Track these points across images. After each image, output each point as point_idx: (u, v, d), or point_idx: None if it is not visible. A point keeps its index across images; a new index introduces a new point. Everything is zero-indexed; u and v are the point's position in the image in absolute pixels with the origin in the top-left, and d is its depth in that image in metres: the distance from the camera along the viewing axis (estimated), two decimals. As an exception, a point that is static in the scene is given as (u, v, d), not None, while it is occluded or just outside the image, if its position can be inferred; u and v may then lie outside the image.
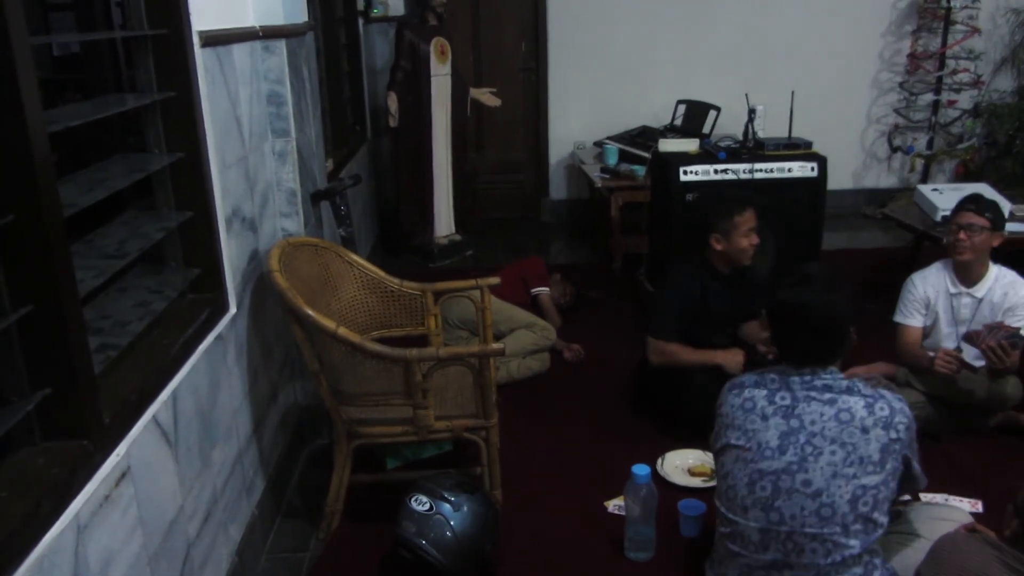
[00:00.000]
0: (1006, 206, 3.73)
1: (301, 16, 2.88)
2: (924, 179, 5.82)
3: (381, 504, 2.53)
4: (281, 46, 2.62)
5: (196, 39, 2.03)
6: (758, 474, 1.88)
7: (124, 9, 1.98)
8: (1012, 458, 2.80)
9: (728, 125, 4.81)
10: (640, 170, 4.81)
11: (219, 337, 2.13)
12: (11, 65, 1.26)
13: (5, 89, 1.27)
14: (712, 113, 5.03)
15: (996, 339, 2.66)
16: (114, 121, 2.15)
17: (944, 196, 3.85)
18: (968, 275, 2.88)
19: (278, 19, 2.64)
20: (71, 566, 1.35)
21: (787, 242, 3.70)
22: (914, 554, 2.03)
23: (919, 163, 5.84)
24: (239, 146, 2.38)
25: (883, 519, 1.85)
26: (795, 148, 3.75)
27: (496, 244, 5.46)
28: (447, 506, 2.17)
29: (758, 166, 3.66)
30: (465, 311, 3.37)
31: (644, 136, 5.25)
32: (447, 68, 4.96)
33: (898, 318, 3.00)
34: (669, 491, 2.60)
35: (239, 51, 2.40)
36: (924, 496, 2.43)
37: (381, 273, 2.79)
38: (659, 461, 2.77)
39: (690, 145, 3.93)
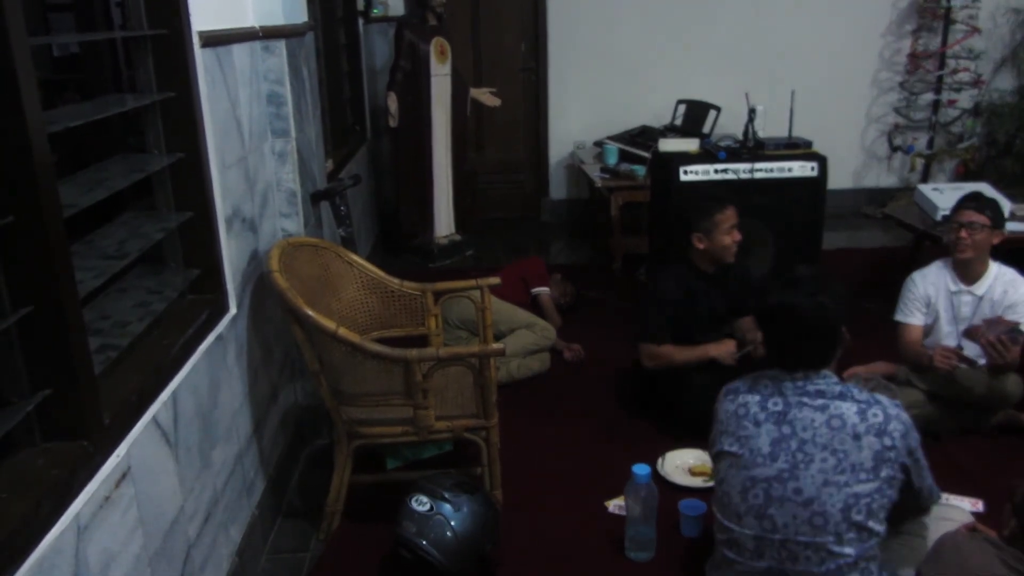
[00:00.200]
0: (1006, 205, 3.73)
1: (301, 16, 2.87)
2: (924, 179, 5.82)
3: (381, 504, 2.53)
4: (281, 46, 2.61)
5: (196, 39, 2.03)
6: (751, 481, 1.86)
7: (124, 9, 1.98)
8: (1013, 457, 2.80)
9: (728, 125, 4.81)
10: (640, 170, 4.81)
11: (219, 337, 2.13)
12: (10, 65, 1.26)
13: (5, 89, 1.27)
14: (712, 113, 5.03)
15: (996, 334, 2.66)
16: (114, 121, 2.15)
17: (944, 195, 3.85)
18: (968, 273, 2.88)
19: (278, 19, 2.64)
20: (71, 567, 1.35)
21: (787, 242, 3.70)
22: (915, 554, 2.03)
23: (919, 162, 5.84)
24: (239, 146, 2.37)
25: (879, 527, 1.81)
26: (795, 148, 3.75)
27: (496, 244, 5.46)
28: (447, 506, 2.17)
29: (758, 166, 3.66)
30: (465, 311, 3.37)
31: (644, 136, 5.25)
32: (447, 68, 4.95)
33: (898, 317, 3.00)
34: (670, 491, 2.60)
35: (239, 51, 2.40)
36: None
37: (381, 273, 2.79)
38: (659, 461, 2.76)
39: (690, 145, 3.93)
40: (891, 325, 3.05)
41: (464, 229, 5.29)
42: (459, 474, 2.36)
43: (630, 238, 4.84)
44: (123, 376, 1.67)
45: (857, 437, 1.79)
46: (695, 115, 5.16)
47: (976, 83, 5.58)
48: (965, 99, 5.70)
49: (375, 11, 5.53)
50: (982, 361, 2.82)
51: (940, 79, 5.61)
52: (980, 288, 2.87)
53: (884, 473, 1.79)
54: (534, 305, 3.88)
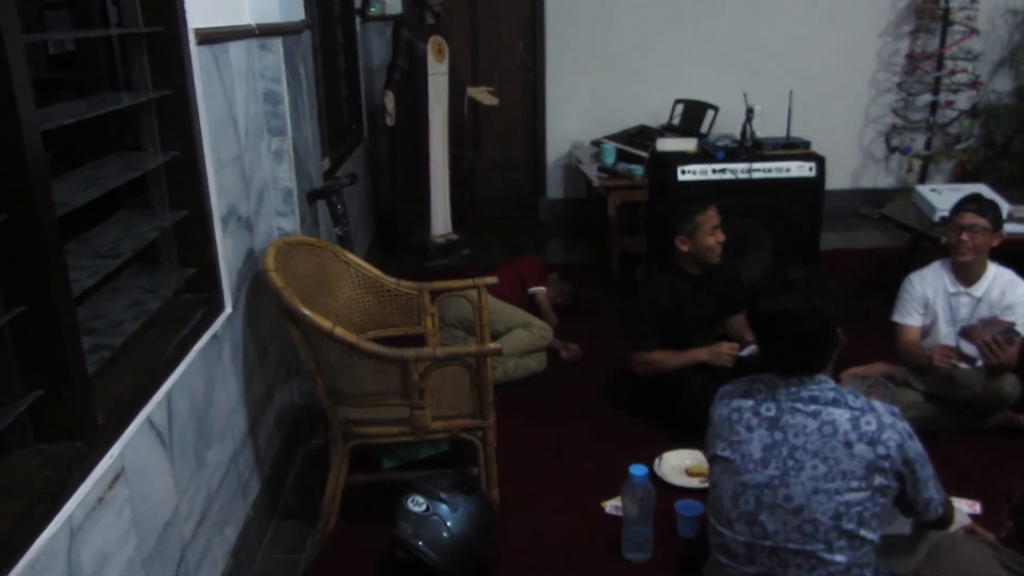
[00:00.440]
0: (1004, 206, 3.73)
1: (298, 14, 2.86)
2: (922, 179, 5.82)
3: (378, 504, 2.52)
4: (278, 44, 2.60)
5: (192, 37, 2.02)
6: (741, 487, 1.85)
7: (120, 7, 1.97)
8: (1010, 459, 2.80)
9: (726, 125, 4.80)
10: (638, 169, 4.80)
11: (214, 337, 2.12)
12: (4, 62, 1.25)
13: (-2, 87, 1.26)
14: (710, 112, 5.03)
15: (991, 334, 2.66)
16: (109, 119, 2.14)
17: (942, 196, 3.85)
18: (967, 275, 2.88)
19: (275, 17, 2.63)
20: (64, 569, 1.33)
21: (785, 242, 3.70)
22: (913, 555, 2.03)
23: (917, 163, 5.84)
24: (235, 145, 2.36)
25: (871, 535, 1.78)
26: (793, 148, 3.74)
27: (493, 243, 5.45)
28: (444, 507, 2.16)
29: (756, 166, 3.65)
30: (462, 310, 3.36)
31: (642, 135, 5.24)
32: (444, 67, 4.94)
33: (896, 317, 2.99)
34: (667, 491, 2.60)
35: (235, 49, 2.39)
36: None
37: (378, 272, 2.78)
38: (656, 461, 2.76)
39: (688, 144, 3.92)
40: (889, 326, 3.04)
41: (461, 228, 5.28)
42: (455, 474, 2.35)
43: (627, 238, 4.83)
44: (117, 376, 1.66)
45: (848, 445, 1.75)
46: (693, 115, 5.16)
47: (974, 84, 5.58)
48: (963, 100, 5.70)
49: (372, 10, 5.52)
50: (980, 363, 2.82)
51: (938, 80, 5.61)
52: (978, 290, 2.87)
53: (876, 482, 1.76)
54: (531, 304, 3.88)
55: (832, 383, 1.85)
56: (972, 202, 2.85)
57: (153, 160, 1.96)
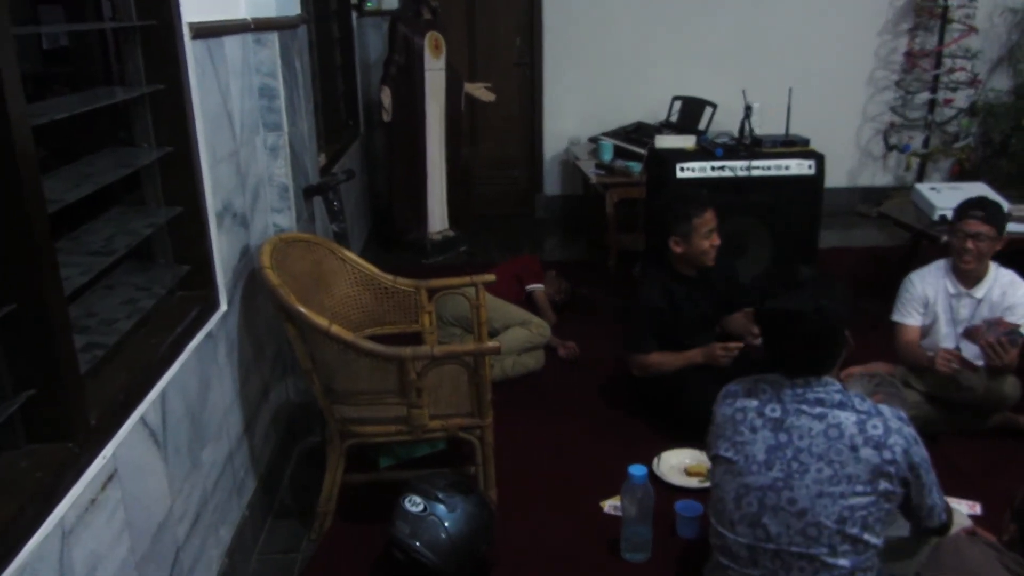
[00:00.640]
0: (1004, 205, 3.71)
1: (294, 9, 2.83)
2: (919, 177, 5.81)
3: (374, 504, 2.50)
4: (273, 39, 2.57)
5: (186, 31, 1.99)
6: (744, 489, 1.82)
7: (113, 0, 1.94)
8: (1010, 460, 2.78)
9: (723, 122, 4.79)
10: (635, 166, 4.78)
11: (209, 335, 2.09)
12: (-7, 55, 1.22)
13: (-13, 80, 1.23)
14: (708, 110, 5.01)
15: (995, 335, 2.64)
16: (103, 114, 2.11)
17: (942, 195, 3.84)
18: (968, 276, 2.85)
19: (270, 11, 2.60)
20: (55, 573, 1.31)
21: (784, 240, 3.68)
22: (913, 557, 2.01)
23: (915, 162, 5.83)
24: (230, 140, 2.33)
25: (875, 539, 1.77)
26: (792, 145, 3.72)
27: (490, 240, 5.43)
28: (441, 507, 2.13)
29: (755, 163, 3.63)
30: (459, 308, 3.34)
31: (639, 132, 5.22)
32: (441, 63, 4.91)
33: (896, 317, 2.97)
34: (665, 491, 2.58)
35: (230, 43, 2.36)
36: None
37: (374, 270, 2.75)
38: (655, 461, 2.74)
39: (687, 142, 3.90)
40: (888, 325, 3.03)
41: (458, 225, 5.25)
42: (453, 474, 2.33)
43: (625, 235, 4.82)
44: (110, 375, 1.63)
45: (854, 448, 1.73)
46: (691, 112, 5.14)
47: (972, 83, 5.57)
48: (961, 98, 5.68)
49: (369, 4, 5.49)
50: (980, 363, 2.80)
51: (936, 78, 5.60)
52: (979, 291, 2.85)
53: (881, 487, 1.74)
54: (528, 302, 3.86)
55: (838, 385, 1.83)
56: (978, 208, 2.79)
57: (147, 156, 1.93)
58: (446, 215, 5.18)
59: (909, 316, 2.94)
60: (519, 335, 3.44)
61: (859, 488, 1.73)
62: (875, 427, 1.74)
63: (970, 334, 2.73)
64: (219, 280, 2.19)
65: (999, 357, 2.64)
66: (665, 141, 3.94)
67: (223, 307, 2.22)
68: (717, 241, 2.96)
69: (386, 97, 4.80)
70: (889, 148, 5.89)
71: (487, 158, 5.97)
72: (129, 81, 1.94)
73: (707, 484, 2.63)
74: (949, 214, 3.70)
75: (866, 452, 1.73)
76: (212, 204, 2.14)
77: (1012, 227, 3.59)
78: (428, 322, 2.80)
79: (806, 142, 3.75)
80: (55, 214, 1.41)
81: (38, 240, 1.33)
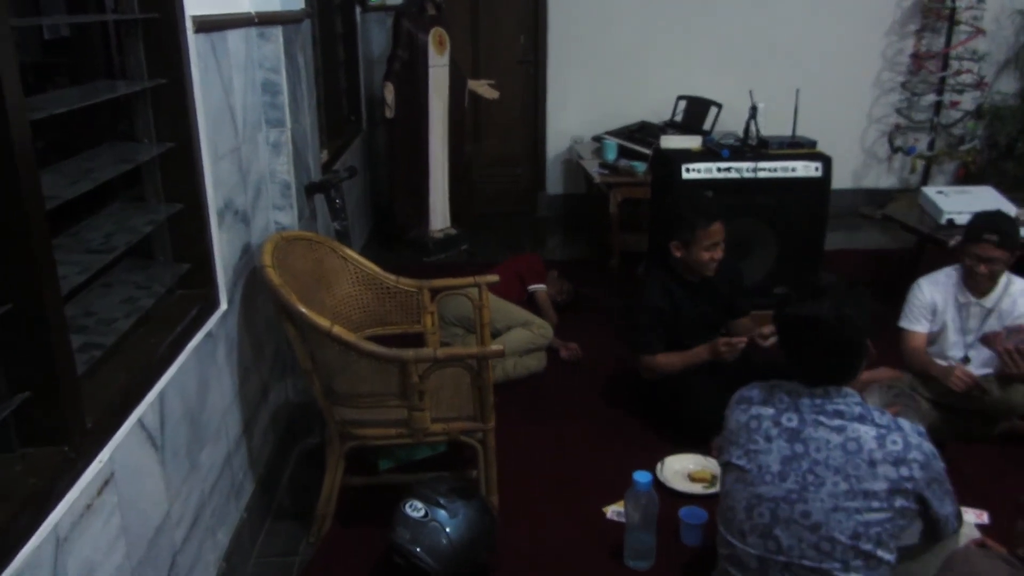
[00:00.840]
0: (1011, 210, 3.68)
1: (298, 3, 2.79)
2: (924, 180, 5.77)
3: (374, 506, 2.47)
4: (277, 33, 2.53)
5: (189, 24, 1.95)
6: (757, 499, 1.79)
7: (115, -9, 1.90)
8: (1018, 467, 2.75)
9: (728, 122, 4.75)
10: (640, 166, 4.74)
11: (209, 335, 2.05)
12: (-10, 48, 1.18)
13: (-17, 74, 1.19)
14: (713, 110, 4.97)
15: (1015, 343, 2.60)
16: (103, 108, 2.07)
17: (949, 199, 3.80)
18: (979, 287, 2.81)
19: (274, 5, 2.56)
20: (49, 580, 1.27)
21: (789, 243, 3.64)
22: (923, 566, 1.98)
23: (920, 164, 5.79)
24: (232, 136, 2.29)
25: (888, 555, 1.73)
26: (799, 147, 3.68)
27: (491, 239, 5.39)
28: (443, 512, 2.10)
29: (762, 165, 3.59)
30: (461, 308, 3.30)
31: (643, 132, 5.18)
32: (445, 59, 4.87)
33: (903, 323, 2.94)
34: (669, 497, 2.54)
35: (233, 37, 2.32)
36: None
37: (376, 269, 2.72)
38: (659, 466, 2.70)
39: (693, 142, 3.86)
40: (893, 330, 2.99)
41: (459, 223, 5.21)
42: (455, 479, 2.30)
43: (628, 235, 4.78)
44: (107, 376, 1.60)
45: (873, 464, 1.69)
46: (695, 112, 5.10)
47: (979, 85, 5.52)
48: (967, 101, 5.64)
49: (372, 0, 5.44)
50: (987, 370, 2.77)
51: (943, 80, 5.55)
52: (989, 301, 2.80)
53: (898, 503, 1.70)
54: (530, 302, 3.82)
55: (858, 397, 1.79)
56: (992, 231, 2.70)
57: (147, 151, 1.89)
58: (448, 213, 5.14)
59: (917, 323, 2.90)
60: (521, 336, 3.40)
61: (875, 504, 1.69)
62: (895, 442, 1.70)
63: (988, 340, 2.69)
64: (219, 279, 2.15)
65: (1016, 365, 2.60)
66: (671, 141, 3.90)
67: (223, 306, 2.18)
68: (719, 255, 2.91)
69: (389, 93, 4.76)
70: (894, 150, 5.85)
71: (489, 156, 5.93)
72: (130, 75, 1.91)
73: (711, 490, 2.60)
74: (956, 218, 3.69)
75: (884, 468, 1.69)
76: (213, 201, 2.10)
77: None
78: (430, 323, 2.76)
79: (813, 144, 3.71)
80: (53, 210, 1.38)
81: (35, 238, 1.29)
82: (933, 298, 2.88)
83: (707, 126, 4.95)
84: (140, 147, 1.91)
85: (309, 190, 2.87)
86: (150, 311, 1.82)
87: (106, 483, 1.47)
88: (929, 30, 5.55)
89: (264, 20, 2.49)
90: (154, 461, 1.71)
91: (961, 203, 3.76)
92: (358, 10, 5.28)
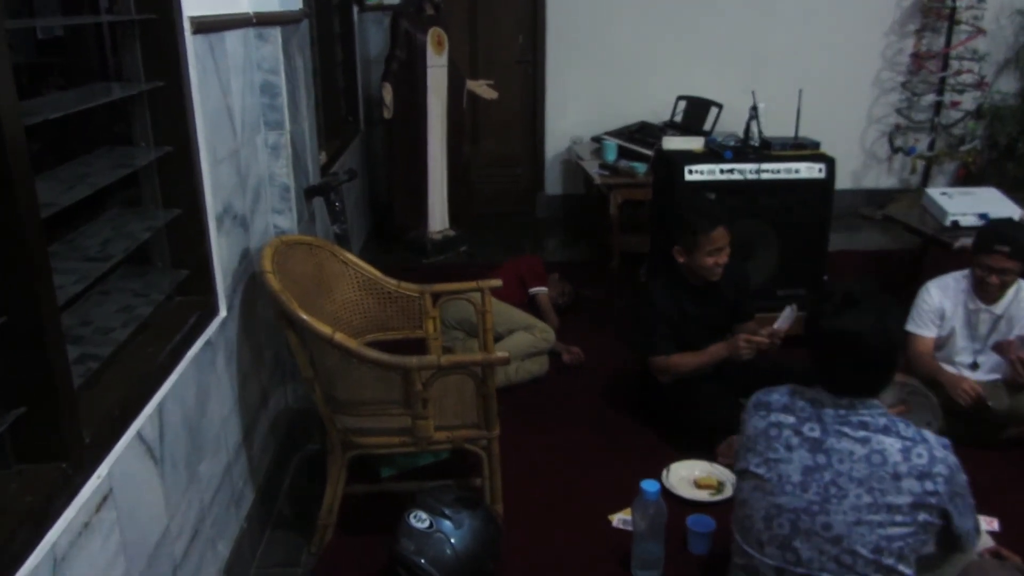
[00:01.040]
0: (1016, 212, 3.66)
1: (296, 3, 2.75)
2: (924, 181, 5.75)
3: (376, 515, 2.44)
4: (276, 34, 2.49)
5: (187, 25, 1.90)
6: (776, 509, 1.75)
7: (111, -9, 1.85)
8: (1026, 473, 2.73)
9: (727, 123, 4.71)
10: (640, 167, 4.70)
11: (208, 343, 2.01)
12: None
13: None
14: (713, 110, 4.94)
15: None
16: (100, 109, 2.03)
17: (953, 200, 3.78)
18: (989, 294, 2.78)
19: (273, 5, 2.52)
20: (46, 602, 1.23)
21: (792, 245, 3.61)
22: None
23: (920, 164, 5.77)
24: (231, 139, 2.25)
25: (909, 571, 1.70)
26: (802, 148, 3.65)
27: (490, 240, 5.35)
28: (448, 523, 2.06)
29: (765, 166, 3.55)
30: (462, 311, 3.26)
31: (643, 132, 5.15)
32: (443, 59, 4.83)
33: (910, 327, 2.90)
34: (675, 504, 2.50)
35: (231, 38, 2.27)
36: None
37: (378, 274, 2.67)
38: (664, 472, 2.67)
39: (695, 143, 3.82)
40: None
41: (458, 224, 5.17)
42: (459, 488, 2.26)
43: (628, 236, 4.74)
44: (105, 388, 1.55)
45: (897, 477, 1.65)
46: (695, 112, 5.07)
47: (979, 85, 5.50)
48: (968, 101, 5.62)
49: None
50: (995, 376, 2.74)
51: (943, 80, 5.53)
52: (999, 307, 2.77)
53: (921, 518, 1.66)
54: (531, 305, 3.78)
55: (883, 408, 1.74)
56: (1004, 242, 2.67)
57: (145, 156, 1.84)
58: (447, 214, 5.10)
59: (924, 327, 2.87)
60: (523, 340, 3.36)
61: (898, 518, 1.66)
62: (920, 455, 1.66)
63: (1001, 348, 2.66)
64: (218, 285, 2.11)
65: None
66: (673, 143, 3.86)
67: (222, 313, 2.14)
68: (724, 260, 2.86)
69: (387, 94, 4.71)
70: (894, 150, 5.82)
71: (488, 156, 5.89)
72: (127, 77, 1.86)
73: (718, 497, 2.57)
74: (961, 220, 3.67)
75: (909, 482, 1.65)
76: (212, 206, 2.06)
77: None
78: (432, 328, 2.72)
79: (816, 145, 3.67)
80: (47, 216, 1.33)
81: (31, 248, 1.25)
82: (942, 303, 2.84)
83: (707, 127, 4.92)
84: (137, 151, 1.87)
85: (308, 193, 2.82)
86: (148, 319, 1.77)
87: (104, 499, 1.42)
88: (929, 30, 5.53)
89: (263, 21, 2.44)
90: (153, 474, 1.66)
91: (965, 204, 3.73)
92: (355, 9, 5.23)
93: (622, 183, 4.71)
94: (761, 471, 1.78)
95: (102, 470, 1.42)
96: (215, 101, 2.11)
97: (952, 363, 2.86)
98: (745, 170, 3.56)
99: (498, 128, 5.85)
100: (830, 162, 3.61)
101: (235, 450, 2.23)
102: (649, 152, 4.77)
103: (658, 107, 5.37)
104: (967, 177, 5.65)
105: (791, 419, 1.77)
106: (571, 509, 2.55)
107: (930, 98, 5.64)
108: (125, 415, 1.54)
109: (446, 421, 2.30)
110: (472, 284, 2.73)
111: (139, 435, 1.59)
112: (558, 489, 2.66)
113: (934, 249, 3.89)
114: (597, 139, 5.31)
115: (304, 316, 2.10)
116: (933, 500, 1.66)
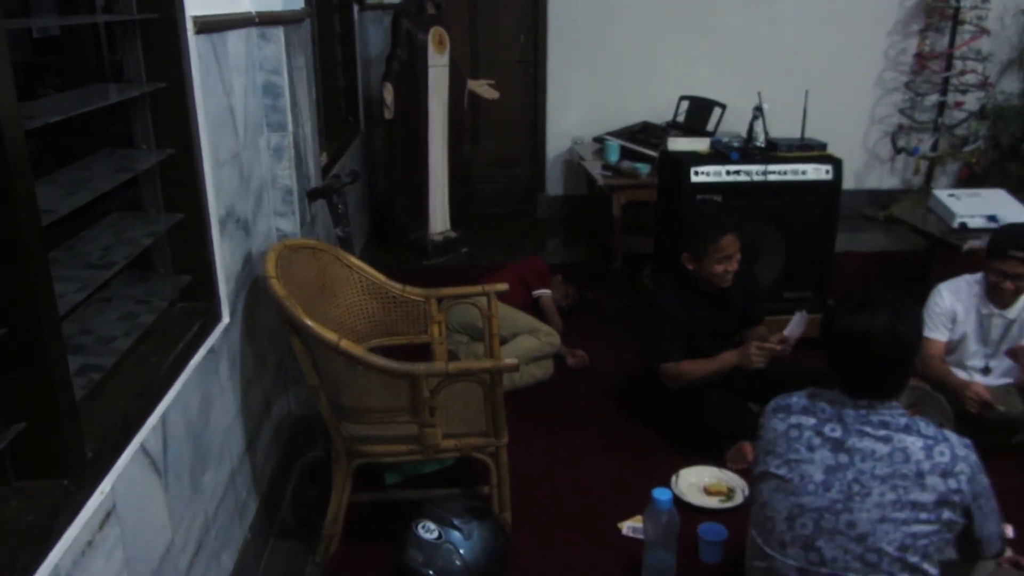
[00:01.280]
0: (1023, 212, 3.63)
1: (298, 2, 2.70)
2: (927, 181, 5.72)
3: (381, 524, 2.39)
4: (279, 34, 2.44)
5: (190, 25, 1.86)
6: (799, 509, 1.72)
7: (110, -10, 1.81)
8: (1039, 479, 2.69)
9: (731, 123, 4.68)
10: (643, 168, 4.67)
11: (211, 350, 1.96)
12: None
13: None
14: (716, 110, 4.90)
15: None
16: (100, 111, 1.98)
17: (961, 202, 3.74)
18: (1002, 298, 2.74)
19: (275, 5, 2.47)
20: (48, 625, 1.19)
21: (799, 247, 3.58)
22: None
23: (923, 165, 5.74)
24: (233, 141, 2.20)
25: (934, 570, 1.67)
26: (809, 149, 3.61)
27: (491, 240, 5.30)
28: (456, 534, 2.02)
29: (771, 168, 3.51)
30: (465, 315, 3.22)
31: (646, 132, 5.11)
32: (445, 59, 4.78)
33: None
34: (685, 511, 2.46)
35: (234, 39, 2.23)
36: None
37: (382, 278, 2.63)
38: (673, 479, 2.63)
39: (700, 144, 3.78)
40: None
41: (459, 225, 5.12)
42: (468, 498, 2.22)
43: (631, 237, 4.71)
44: (108, 400, 1.50)
45: (920, 475, 1.64)
46: (699, 112, 5.03)
47: (983, 85, 5.47)
48: (971, 101, 5.59)
49: (370, -2, 5.35)
50: (1007, 380, 2.71)
51: (946, 80, 5.50)
52: (1012, 311, 2.74)
53: (945, 516, 1.65)
54: (535, 307, 3.74)
55: (902, 408, 1.73)
56: (1020, 248, 2.64)
57: (146, 159, 1.80)
58: (447, 215, 5.05)
59: (935, 331, 2.83)
60: (528, 344, 3.32)
61: (923, 516, 1.64)
62: (942, 453, 1.65)
63: (1015, 354, 2.62)
64: (221, 290, 2.06)
65: None
66: (678, 143, 3.82)
67: (225, 319, 2.09)
68: (734, 267, 2.83)
69: (388, 94, 4.66)
70: (897, 151, 5.79)
71: (489, 156, 5.85)
72: (128, 77, 1.81)
73: (728, 504, 2.53)
74: (969, 222, 3.63)
75: (932, 480, 1.64)
76: (215, 209, 2.01)
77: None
78: (438, 333, 2.68)
79: (823, 146, 3.64)
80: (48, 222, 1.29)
81: (31, 257, 1.20)
82: (954, 306, 2.81)
83: (711, 127, 4.88)
84: (139, 154, 1.82)
85: (311, 196, 2.78)
86: (151, 327, 1.73)
87: (108, 516, 1.38)
88: (933, 30, 5.50)
89: (265, 20, 2.40)
90: (157, 488, 1.62)
91: (973, 206, 3.70)
92: (356, 9, 5.18)
93: (625, 184, 4.67)
94: (782, 472, 1.76)
95: (105, 486, 1.37)
96: (218, 102, 2.07)
97: (964, 367, 2.82)
98: (752, 171, 3.52)
99: (499, 128, 5.81)
100: (837, 163, 3.58)
101: (239, 459, 2.18)
102: (652, 153, 4.74)
103: (660, 107, 5.33)
104: (970, 178, 5.62)
105: (812, 420, 1.76)
106: (579, 516, 2.51)
107: (933, 98, 5.60)
108: (128, 427, 1.50)
109: (454, 429, 2.25)
110: (478, 288, 2.69)
111: (142, 448, 1.54)
112: (565, 495, 2.62)
113: (942, 251, 3.86)
114: (599, 139, 5.27)
115: (309, 322, 2.05)
116: (957, 498, 1.65)
